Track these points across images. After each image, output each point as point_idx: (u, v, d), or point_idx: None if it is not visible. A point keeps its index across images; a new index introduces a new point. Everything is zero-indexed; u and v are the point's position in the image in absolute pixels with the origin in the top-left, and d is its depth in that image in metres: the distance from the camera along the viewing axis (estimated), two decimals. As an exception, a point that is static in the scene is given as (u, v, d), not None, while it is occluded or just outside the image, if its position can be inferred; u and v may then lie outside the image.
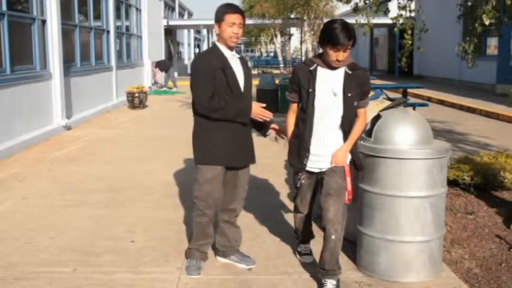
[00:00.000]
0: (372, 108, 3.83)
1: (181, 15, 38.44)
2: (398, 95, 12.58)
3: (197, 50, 44.19)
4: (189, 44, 41.34)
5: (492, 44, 18.99)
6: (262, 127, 3.74)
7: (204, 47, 44.45)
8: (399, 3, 7.52)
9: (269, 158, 7.22)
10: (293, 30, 44.76)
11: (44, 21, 9.91)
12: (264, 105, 3.59)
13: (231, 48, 3.59)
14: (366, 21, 7.41)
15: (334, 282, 3.36)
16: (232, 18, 3.48)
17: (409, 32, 7.37)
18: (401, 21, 7.45)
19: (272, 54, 56.81)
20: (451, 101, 15.34)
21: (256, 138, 3.81)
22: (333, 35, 3.24)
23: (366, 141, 3.62)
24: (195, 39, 45.15)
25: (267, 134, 3.75)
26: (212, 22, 3.69)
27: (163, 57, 24.56)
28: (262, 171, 6.28)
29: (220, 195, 3.69)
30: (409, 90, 13.72)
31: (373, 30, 31.51)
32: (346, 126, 3.44)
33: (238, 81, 3.55)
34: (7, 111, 8.20)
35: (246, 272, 3.72)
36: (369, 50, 34.70)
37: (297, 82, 3.48)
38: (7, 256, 4.01)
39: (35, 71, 9.52)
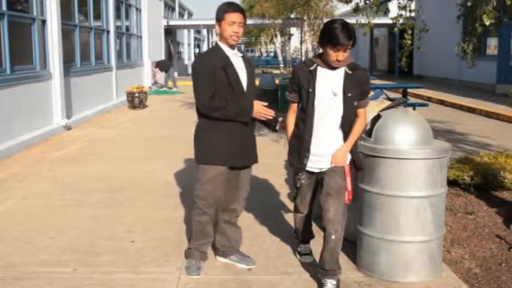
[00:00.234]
0: (372, 108, 3.83)
1: (181, 15, 38.44)
2: (398, 95, 12.58)
3: (197, 50, 44.20)
4: (189, 44, 41.34)
5: (492, 44, 18.99)
6: (270, 123, 3.68)
7: (204, 47, 44.47)
8: (399, 3, 7.52)
9: (269, 158, 7.22)
10: (293, 30, 44.74)
11: (44, 21, 9.91)
12: (266, 103, 3.58)
13: (232, 47, 3.59)
14: (366, 22, 7.40)
15: (334, 282, 3.36)
16: (233, 17, 3.48)
17: (409, 32, 7.36)
18: (401, 21, 7.45)
19: (272, 54, 56.81)
20: (451, 101, 15.34)
21: (257, 139, 3.81)
22: (333, 35, 3.24)
23: (366, 141, 3.62)
24: (195, 39, 45.14)
25: (277, 128, 3.70)
26: (212, 22, 3.70)
27: (163, 57, 24.56)
28: (262, 171, 6.27)
29: (221, 195, 3.68)
30: (409, 90, 13.72)
31: (373, 30, 31.52)
32: (346, 126, 3.44)
33: (240, 80, 3.54)
34: (7, 111, 8.20)
35: (246, 272, 3.72)
36: (369, 50, 34.71)
37: (297, 82, 3.48)
38: (7, 256, 4.01)
39: (35, 71, 9.52)
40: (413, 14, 7.58)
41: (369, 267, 3.65)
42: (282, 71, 35.16)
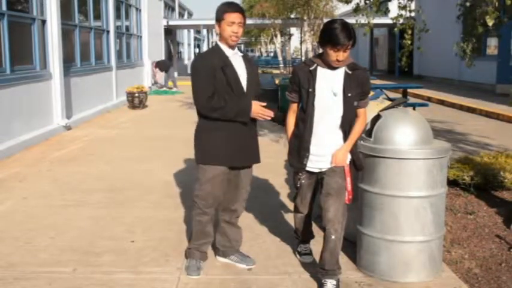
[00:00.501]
0: (372, 108, 3.83)
1: (181, 15, 38.45)
2: (398, 95, 12.58)
3: (197, 50, 44.22)
4: (189, 44, 41.36)
5: (492, 44, 18.99)
6: (278, 119, 3.69)
7: (204, 47, 44.47)
8: (399, 3, 7.51)
9: (269, 158, 7.22)
10: (293, 30, 44.75)
11: (44, 21, 9.91)
12: (265, 104, 3.57)
13: (232, 47, 3.58)
14: (366, 22, 7.40)
15: (334, 282, 3.36)
16: (232, 17, 3.48)
17: (409, 32, 7.36)
18: (401, 21, 7.45)
19: (272, 54, 56.82)
20: (451, 101, 15.34)
21: (258, 139, 3.81)
22: (333, 35, 3.24)
23: (366, 141, 3.62)
24: (195, 39, 45.16)
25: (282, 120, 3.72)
26: (212, 22, 3.69)
27: (163, 57, 24.56)
28: (262, 171, 6.27)
29: (221, 195, 3.68)
30: (409, 90, 13.72)
31: (373, 30, 31.52)
32: (346, 126, 3.44)
33: (239, 80, 3.54)
34: (7, 111, 8.20)
35: (246, 272, 3.72)
36: (369, 50, 34.70)
37: (297, 82, 3.48)
38: (7, 256, 4.01)
39: (35, 71, 9.52)
40: (413, 14, 7.58)
41: (369, 267, 3.65)
42: (282, 71, 35.16)
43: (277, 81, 13.93)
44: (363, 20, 7.49)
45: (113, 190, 5.91)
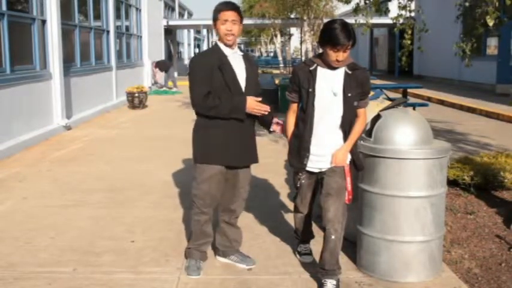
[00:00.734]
0: (372, 108, 3.83)
1: (181, 15, 38.44)
2: (398, 95, 12.58)
3: (197, 50, 44.20)
4: (189, 44, 41.36)
5: (492, 44, 18.99)
6: (267, 124, 3.66)
7: (204, 47, 44.45)
8: (399, 3, 7.51)
9: (269, 158, 7.22)
10: (293, 30, 44.75)
11: (44, 21, 9.91)
12: (260, 99, 3.53)
13: (230, 46, 3.57)
14: (365, 21, 7.40)
15: (334, 282, 3.36)
16: (225, 15, 3.48)
17: (409, 32, 7.36)
18: (401, 21, 7.45)
19: (272, 54, 56.82)
20: (451, 101, 15.34)
21: (257, 138, 3.81)
22: (332, 35, 3.24)
23: (366, 141, 3.62)
24: (195, 39, 45.15)
25: (271, 130, 3.68)
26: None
27: (163, 57, 24.56)
28: (262, 171, 6.27)
29: (218, 194, 3.68)
30: (409, 90, 13.71)
31: (373, 30, 31.56)
32: (346, 126, 3.44)
33: (237, 79, 3.53)
34: (7, 111, 8.20)
35: (246, 272, 3.72)
36: (369, 50, 34.69)
37: (297, 82, 3.48)
38: (7, 256, 4.01)
39: (35, 71, 9.52)
40: (413, 14, 7.57)
41: (369, 267, 3.65)
42: (282, 71, 35.17)
43: (277, 81, 13.95)
44: (362, 20, 7.50)
45: (113, 190, 5.91)
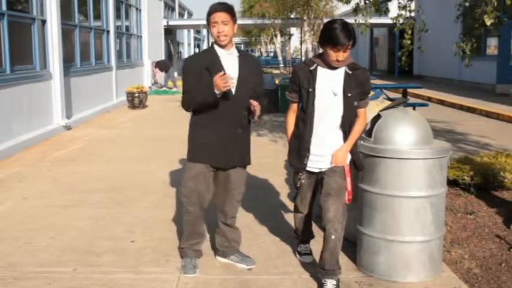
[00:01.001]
0: (372, 108, 3.83)
1: (181, 15, 38.45)
2: (398, 95, 12.58)
3: (197, 50, 44.20)
4: (189, 44, 41.35)
5: (492, 44, 18.98)
6: (252, 112, 3.54)
7: (204, 47, 44.46)
8: (399, 3, 7.51)
9: (269, 157, 7.22)
10: (293, 30, 44.76)
11: (44, 21, 9.91)
12: (222, 73, 3.37)
13: (225, 47, 3.55)
14: (364, 21, 7.40)
15: (334, 282, 3.36)
16: (215, 17, 3.48)
17: (409, 32, 7.36)
18: (401, 21, 7.45)
19: (272, 54, 56.83)
20: (451, 101, 15.34)
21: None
22: (333, 35, 3.24)
23: (366, 141, 3.62)
24: (195, 39, 45.15)
25: (252, 118, 3.58)
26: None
27: (163, 57, 24.56)
28: (262, 171, 6.28)
29: (207, 193, 3.67)
30: (409, 90, 13.71)
31: (373, 30, 31.58)
32: (346, 126, 3.44)
33: None
34: (7, 111, 8.20)
35: (246, 272, 3.72)
36: (369, 50, 34.69)
37: (297, 82, 3.48)
38: (7, 256, 4.01)
39: (35, 71, 9.52)
40: (413, 14, 7.57)
41: (369, 267, 3.65)
42: (282, 71, 35.19)
43: (277, 81, 13.95)
44: (361, 19, 7.50)
45: (113, 190, 5.91)
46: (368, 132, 3.66)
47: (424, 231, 3.52)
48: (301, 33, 30.58)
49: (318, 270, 3.46)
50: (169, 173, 6.64)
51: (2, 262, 3.89)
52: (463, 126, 11.08)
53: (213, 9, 3.49)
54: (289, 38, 45.72)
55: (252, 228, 4.58)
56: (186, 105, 3.59)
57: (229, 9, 3.50)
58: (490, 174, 5.67)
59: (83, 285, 3.52)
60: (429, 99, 16.57)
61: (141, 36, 20.28)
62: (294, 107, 3.60)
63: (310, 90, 3.40)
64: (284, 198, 5.52)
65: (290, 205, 4.84)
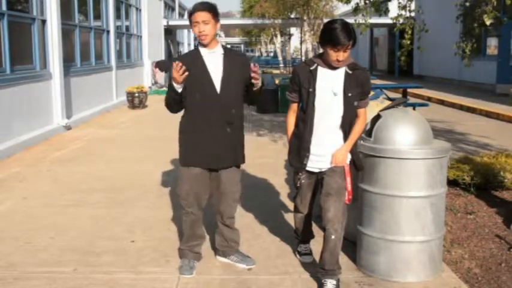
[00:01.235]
0: (372, 108, 3.83)
1: (181, 15, 38.44)
2: (398, 95, 12.58)
3: (197, 50, 44.14)
4: (189, 44, 41.33)
5: (492, 44, 18.98)
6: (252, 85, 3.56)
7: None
8: (399, 3, 7.51)
9: (269, 157, 7.22)
10: (293, 30, 44.75)
11: (44, 21, 9.90)
12: (178, 65, 3.38)
13: (208, 46, 3.55)
14: (364, 21, 7.40)
15: (334, 282, 3.36)
16: (196, 17, 3.48)
17: (409, 32, 7.36)
18: (401, 21, 7.45)
19: (272, 54, 56.83)
20: (451, 101, 15.34)
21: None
22: (333, 35, 3.24)
23: (366, 141, 3.62)
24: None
25: (253, 83, 3.52)
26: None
27: (163, 57, 24.57)
28: (262, 171, 6.28)
29: (204, 194, 3.68)
30: (409, 90, 13.71)
31: (373, 30, 31.57)
32: (346, 126, 3.44)
33: (210, 78, 3.52)
34: (7, 111, 8.20)
35: (246, 272, 3.72)
36: (369, 50, 34.69)
37: (297, 82, 3.48)
38: (7, 256, 4.01)
39: (35, 71, 9.52)
40: (413, 14, 7.58)
41: (369, 267, 3.65)
42: (282, 71, 35.19)
43: (277, 81, 13.94)
44: (361, 19, 7.50)
45: (113, 190, 5.91)
46: (368, 132, 3.66)
47: (424, 231, 3.52)
48: (301, 33, 30.57)
49: (318, 270, 3.46)
50: (170, 173, 6.64)
51: (2, 262, 3.90)
52: (463, 126, 11.08)
53: (195, 9, 3.50)
54: (289, 38, 45.73)
55: (252, 228, 4.58)
56: (166, 105, 3.74)
57: (210, 9, 3.49)
58: (490, 174, 5.67)
59: (83, 285, 3.52)
60: (429, 99, 16.57)
61: (141, 36, 20.28)
62: (294, 107, 3.60)
63: (311, 90, 3.40)
64: (284, 198, 5.52)
65: (290, 205, 4.84)
